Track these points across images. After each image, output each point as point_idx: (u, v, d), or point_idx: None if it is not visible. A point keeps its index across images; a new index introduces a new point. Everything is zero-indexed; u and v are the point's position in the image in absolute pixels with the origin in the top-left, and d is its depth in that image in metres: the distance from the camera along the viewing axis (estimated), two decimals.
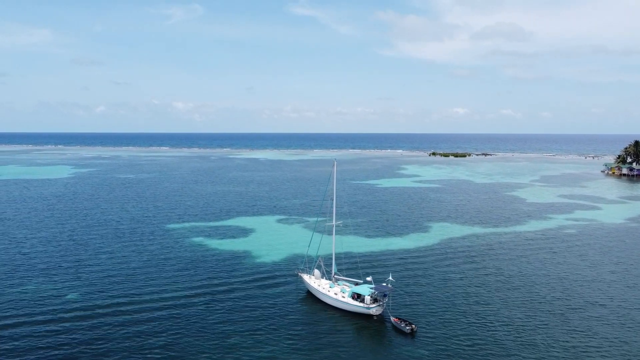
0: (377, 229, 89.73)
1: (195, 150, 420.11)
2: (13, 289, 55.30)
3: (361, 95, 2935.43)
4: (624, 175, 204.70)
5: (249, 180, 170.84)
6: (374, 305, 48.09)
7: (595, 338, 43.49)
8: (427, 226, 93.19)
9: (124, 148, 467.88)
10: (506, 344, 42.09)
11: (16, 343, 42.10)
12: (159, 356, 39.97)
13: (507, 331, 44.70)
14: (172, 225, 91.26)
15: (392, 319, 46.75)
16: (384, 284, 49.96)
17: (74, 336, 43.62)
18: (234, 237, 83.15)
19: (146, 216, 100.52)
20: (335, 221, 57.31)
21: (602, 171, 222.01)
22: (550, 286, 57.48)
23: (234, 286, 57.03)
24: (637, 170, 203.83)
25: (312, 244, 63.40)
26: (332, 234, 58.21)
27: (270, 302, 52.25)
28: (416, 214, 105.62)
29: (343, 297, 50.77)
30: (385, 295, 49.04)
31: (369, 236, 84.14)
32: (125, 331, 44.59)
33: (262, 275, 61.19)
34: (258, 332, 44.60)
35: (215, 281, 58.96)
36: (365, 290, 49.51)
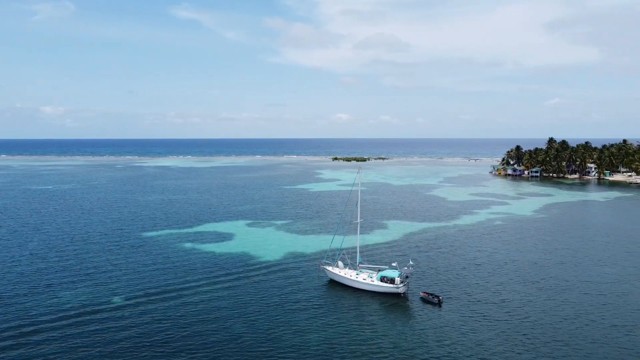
0: (353, 228, 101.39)
1: (90, 159, 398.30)
2: None
3: (249, 100, 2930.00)
4: (509, 175, 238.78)
5: (187, 189, 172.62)
6: (401, 285, 59.70)
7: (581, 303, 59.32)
8: (383, 223, 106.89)
9: (2, 156, 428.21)
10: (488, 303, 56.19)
11: None
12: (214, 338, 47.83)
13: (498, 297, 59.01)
14: (165, 232, 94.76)
15: (421, 293, 58.84)
16: (406, 268, 61.80)
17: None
18: (217, 241, 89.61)
19: (129, 225, 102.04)
20: (358, 219, 68.20)
21: (490, 172, 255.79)
22: (518, 267, 73.53)
23: (253, 280, 65.32)
24: (520, 171, 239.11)
25: (334, 240, 73.91)
26: (350, 231, 68.85)
27: (295, 289, 61.47)
28: (364, 215, 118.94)
29: (372, 281, 61.76)
30: (407, 277, 60.95)
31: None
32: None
33: (281, 271, 69.91)
34: (284, 313, 53.25)
35: (236, 274, 67.36)
36: (394, 273, 60.95)
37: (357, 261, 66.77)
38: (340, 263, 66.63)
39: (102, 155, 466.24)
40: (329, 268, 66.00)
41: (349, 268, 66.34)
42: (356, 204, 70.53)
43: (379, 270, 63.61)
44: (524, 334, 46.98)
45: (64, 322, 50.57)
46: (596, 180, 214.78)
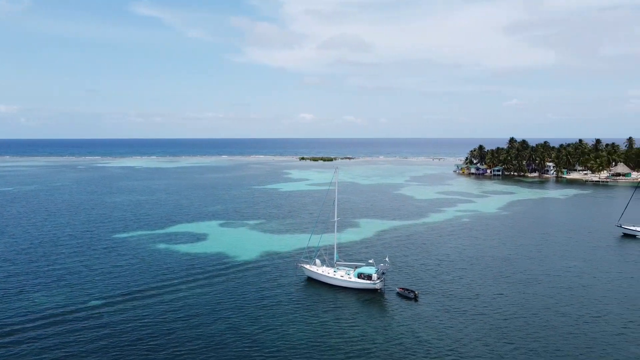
0: (323, 227, 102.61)
1: (51, 160, 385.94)
2: None
3: (214, 100, 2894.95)
4: (472, 174, 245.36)
5: (155, 189, 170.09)
6: (378, 281, 61.31)
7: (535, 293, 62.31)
8: (356, 222, 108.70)
9: None
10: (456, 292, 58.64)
11: None
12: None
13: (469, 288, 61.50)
14: (137, 233, 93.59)
15: (398, 289, 60.61)
16: (382, 265, 63.46)
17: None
18: (192, 242, 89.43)
19: (99, 227, 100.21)
20: (336, 217, 69.48)
21: (454, 171, 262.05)
22: (486, 261, 76.41)
23: (231, 279, 65.81)
24: (482, 169, 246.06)
25: (311, 239, 75.26)
26: (326, 230, 70.06)
27: (274, 287, 62.34)
28: (338, 214, 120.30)
29: (349, 277, 63.17)
30: (384, 273, 62.62)
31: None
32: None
33: (258, 270, 70.56)
34: (264, 310, 54.08)
35: (213, 274, 67.66)
36: (371, 269, 62.51)
37: (335, 259, 68.08)
38: (317, 261, 67.75)
39: (63, 156, 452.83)
40: (307, 266, 67.04)
41: (327, 266, 67.56)
42: (333, 203, 71.83)
43: (356, 268, 65.06)
44: (499, 327, 49.19)
45: (40, 323, 50.04)
46: (555, 178, 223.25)
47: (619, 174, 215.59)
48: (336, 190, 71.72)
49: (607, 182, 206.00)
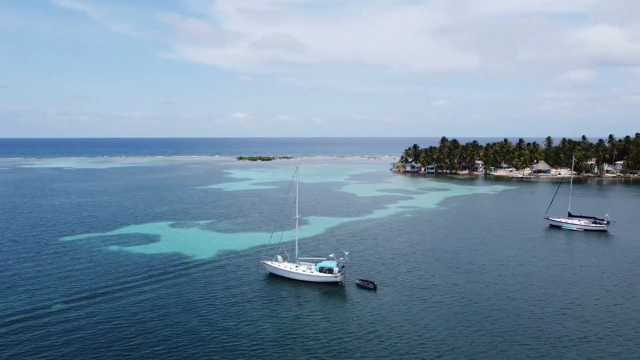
0: (273, 226, 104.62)
1: None
2: None
3: (142, 98, 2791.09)
4: (408, 172, 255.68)
5: (93, 191, 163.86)
6: (339, 274, 64.55)
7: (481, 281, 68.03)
8: (307, 220, 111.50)
9: None
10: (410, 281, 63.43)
11: None
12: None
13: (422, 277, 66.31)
14: (86, 236, 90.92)
15: (357, 280, 64.15)
16: (342, 259, 66.76)
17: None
18: (145, 243, 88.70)
19: (43, 231, 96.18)
20: (297, 215, 71.92)
21: (390, 169, 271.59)
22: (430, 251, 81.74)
23: (193, 277, 66.82)
24: (417, 167, 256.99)
25: (272, 236, 77.42)
26: (285, 227, 72.37)
27: (239, 284, 63.99)
28: (289, 212, 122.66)
29: (311, 272, 65.97)
30: (343, 267, 65.95)
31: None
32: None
33: (220, 268, 71.74)
34: (234, 306, 55.66)
35: (175, 273, 68.13)
36: (332, 263, 65.62)
37: (296, 255, 70.60)
38: (279, 257, 69.99)
39: None
40: (269, 262, 69.12)
41: (288, 262, 69.92)
42: (294, 201, 74.26)
43: (317, 262, 67.96)
44: (458, 312, 53.75)
45: (4, 331, 48.77)
46: (483, 175, 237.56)
47: (540, 171, 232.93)
48: (297, 189, 74.13)
49: (530, 178, 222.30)
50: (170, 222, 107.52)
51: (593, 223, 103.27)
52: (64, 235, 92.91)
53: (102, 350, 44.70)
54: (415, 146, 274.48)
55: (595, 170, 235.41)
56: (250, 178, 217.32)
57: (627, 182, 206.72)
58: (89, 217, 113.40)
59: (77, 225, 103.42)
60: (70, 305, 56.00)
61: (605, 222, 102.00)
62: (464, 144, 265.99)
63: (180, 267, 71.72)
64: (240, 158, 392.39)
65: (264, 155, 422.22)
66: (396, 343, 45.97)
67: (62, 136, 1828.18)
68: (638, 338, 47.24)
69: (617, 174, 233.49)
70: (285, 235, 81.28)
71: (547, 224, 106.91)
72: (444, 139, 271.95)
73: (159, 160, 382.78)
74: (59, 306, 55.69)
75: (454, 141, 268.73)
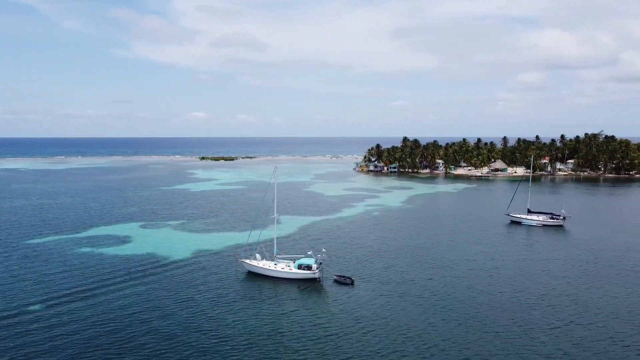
0: (249, 225, 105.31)
1: None
2: None
3: (96, 96, 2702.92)
4: (371, 171, 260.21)
5: (54, 192, 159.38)
6: (317, 270, 66.38)
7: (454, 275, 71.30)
8: (279, 219, 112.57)
9: None
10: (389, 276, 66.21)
11: None
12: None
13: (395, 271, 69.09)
14: (55, 238, 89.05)
15: (335, 276, 66.18)
16: (319, 255, 68.58)
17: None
18: (117, 244, 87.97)
19: (8, 234, 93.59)
20: (275, 214, 73.26)
21: (354, 169, 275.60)
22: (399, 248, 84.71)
23: (170, 277, 67.27)
24: (380, 167, 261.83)
25: (251, 235, 78.50)
26: (263, 225, 73.63)
27: (218, 282, 64.88)
28: (260, 213, 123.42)
29: (290, 269, 67.54)
30: (321, 263, 67.82)
31: (240, 231, 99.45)
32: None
33: (197, 268, 72.26)
34: (215, 307, 56.32)
35: (152, 273, 68.41)
36: (311, 260, 67.35)
37: (275, 253, 71.96)
38: (257, 255, 71.17)
39: None
40: (247, 261, 70.21)
41: (267, 260, 71.22)
42: (272, 200, 75.52)
43: (295, 260, 69.57)
44: (435, 305, 56.43)
45: None
46: (444, 174, 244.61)
47: (497, 170, 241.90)
48: (275, 189, 75.54)
49: (488, 176, 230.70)
50: (140, 223, 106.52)
51: (550, 219, 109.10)
52: (32, 238, 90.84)
53: (83, 346, 44.91)
54: (378, 146, 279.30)
55: (549, 168, 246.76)
56: (216, 178, 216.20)
57: (578, 180, 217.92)
58: (55, 219, 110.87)
59: (43, 227, 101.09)
60: (47, 305, 55.53)
61: (561, 217, 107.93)
62: (425, 144, 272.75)
63: (157, 268, 71.73)
64: (203, 158, 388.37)
65: (226, 155, 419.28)
66: (379, 335, 48.15)
67: (11, 135, 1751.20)
68: (600, 323, 51.23)
69: (569, 172, 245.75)
70: (262, 234, 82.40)
71: (508, 220, 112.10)
72: (405, 139, 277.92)
73: (118, 160, 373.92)
74: (35, 307, 55.10)
75: (415, 141, 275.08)
